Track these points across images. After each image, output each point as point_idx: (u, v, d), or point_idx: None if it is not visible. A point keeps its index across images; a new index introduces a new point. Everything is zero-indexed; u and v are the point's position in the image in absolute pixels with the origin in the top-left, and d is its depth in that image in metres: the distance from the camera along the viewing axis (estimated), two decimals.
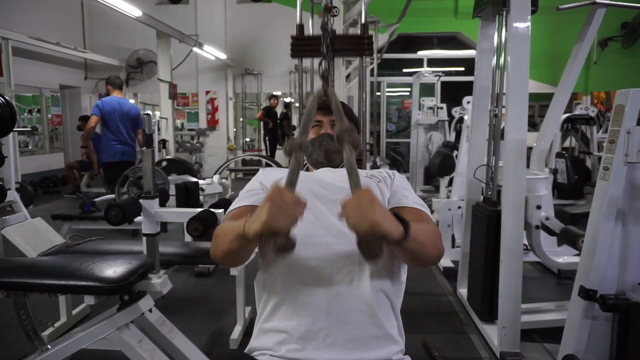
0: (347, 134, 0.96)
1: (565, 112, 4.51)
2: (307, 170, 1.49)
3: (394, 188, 1.22)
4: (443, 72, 7.15)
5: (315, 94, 1.04)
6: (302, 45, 2.14)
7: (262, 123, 9.23)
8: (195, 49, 7.32)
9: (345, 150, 0.95)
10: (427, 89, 7.60)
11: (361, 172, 1.27)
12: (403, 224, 0.89)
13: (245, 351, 1.08)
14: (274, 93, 9.20)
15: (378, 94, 8.10)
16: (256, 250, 1.12)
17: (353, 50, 2.19)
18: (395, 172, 1.31)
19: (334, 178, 1.18)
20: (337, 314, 1.00)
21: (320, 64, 1.23)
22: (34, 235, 2.18)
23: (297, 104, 9.72)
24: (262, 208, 0.83)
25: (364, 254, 0.85)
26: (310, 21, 2.47)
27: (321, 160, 1.29)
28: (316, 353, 0.99)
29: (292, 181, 0.92)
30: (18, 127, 3.09)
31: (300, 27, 2.18)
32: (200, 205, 3.13)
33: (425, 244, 0.97)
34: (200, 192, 3.18)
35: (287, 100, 9.78)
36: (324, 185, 1.16)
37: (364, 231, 0.83)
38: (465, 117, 4.48)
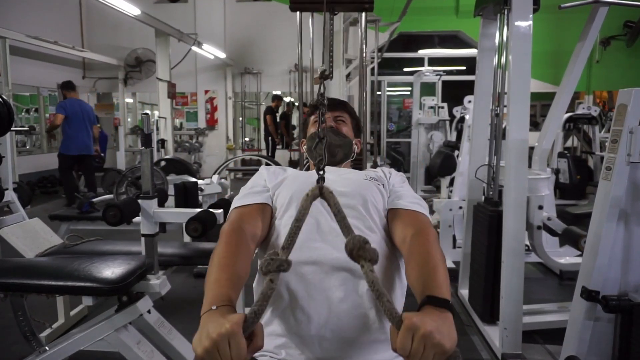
0: (361, 249, 0.84)
1: (567, 112, 4.51)
2: (308, 168, 1.48)
3: (390, 187, 1.21)
4: (444, 71, 7.13)
5: (310, 194, 0.92)
6: None
7: (262, 123, 9.20)
8: (194, 48, 7.32)
9: (365, 269, 0.83)
10: (428, 88, 7.58)
11: (359, 173, 1.26)
12: (446, 306, 0.83)
13: None
14: (275, 93, 9.14)
15: (379, 93, 8.09)
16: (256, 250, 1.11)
17: (354, 4, 2.11)
18: (392, 170, 1.30)
19: (334, 181, 1.16)
20: (336, 318, 1.00)
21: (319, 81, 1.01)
22: (31, 235, 2.17)
23: (296, 104, 9.69)
24: (205, 338, 0.76)
25: None
26: (310, 20, 2.45)
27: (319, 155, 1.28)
28: (316, 358, 0.99)
29: (256, 314, 0.78)
30: (15, 127, 3.09)
31: None
32: (200, 206, 3.12)
33: (447, 280, 0.93)
34: (199, 192, 3.17)
35: (287, 100, 9.74)
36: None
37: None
38: (467, 117, 4.47)
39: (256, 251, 1.13)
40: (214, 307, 0.83)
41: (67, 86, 5.80)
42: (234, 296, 0.88)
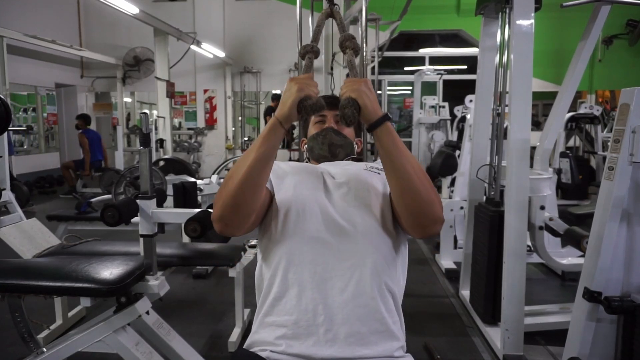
0: (349, 41, 1.19)
1: (569, 111, 4.48)
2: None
3: None
4: (445, 70, 7.09)
5: (323, 12, 1.31)
6: None
7: (261, 122, 9.15)
8: (193, 47, 7.30)
9: (347, 54, 1.19)
10: (429, 88, 7.57)
11: (361, 164, 1.26)
12: (386, 115, 1.01)
13: (245, 345, 1.08)
14: (275, 92, 9.10)
15: (379, 92, 8.07)
16: (255, 243, 1.10)
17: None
18: None
19: (337, 173, 1.18)
20: (338, 308, 1.00)
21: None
22: (29, 236, 2.16)
23: None
24: (287, 91, 1.00)
25: (340, 116, 1.01)
26: (310, 19, 2.44)
27: (324, 154, 1.29)
28: (317, 348, 0.98)
29: (307, 70, 1.16)
30: (13, 126, 3.09)
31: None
32: (199, 206, 3.12)
33: (407, 169, 0.98)
34: (198, 192, 3.16)
35: None
36: (328, 179, 1.16)
37: (347, 96, 1.00)
38: (468, 116, 4.45)
39: (254, 245, 1.12)
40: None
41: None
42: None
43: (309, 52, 1.20)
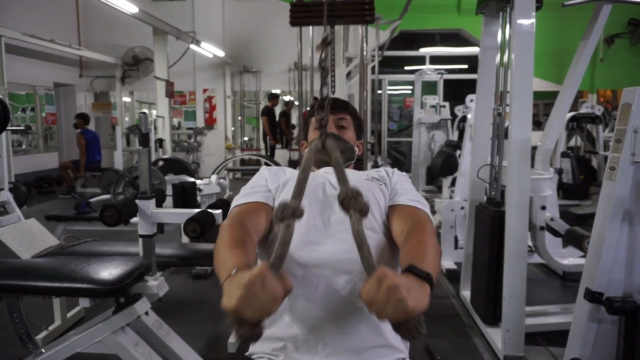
0: (352, 199, 0.85)
1: (570, 111, 4.47)
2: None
3: (392, 186, 1.20)
4: (446, 69, 7.08)
5: (312, 147, 0.94)
6: (301, 12, 2.05)
7: (261, 122, 9.13)
8: (192, 46, 7.30)
9: (352, 219, 0.84)
10: (429, 87, 7.55)
11: (360, 173, 1.25)
12: (427, 279, 0.80)
13: (246, 354, 1.07)
14: (273, 92, 9.07)
15: (379, 92, 8.05)
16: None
17: (354, 17, 2.09)
18: (395, 169, 1.29)
19: (336, 182, 1.15)
20: (337, 322, 0.99)
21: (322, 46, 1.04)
22: (27, 236, 2.15)
23: (297, 103, 9.66)
24: (236, 289, 0.73)
25: (406, 336, 0.76)
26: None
27: (325, 159, 1.27)
28: None
29: (279, 259, 0.79)
30: (11, 126, 3.08)
31: None
32: (198, 206, 3.10)
33: (438, 268, 0.92)
34: (197, 192, 3.14)
35: (287, 99, 9.70)
36: (329, 188, 1.14)
37: (399, 321, 0.74)
38: (469, 116, 4.44)
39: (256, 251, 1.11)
40: (233, 272, 0.79)
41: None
42: (251, 265, 0.85)
43: (288, 218, 0.84)
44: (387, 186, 1.19)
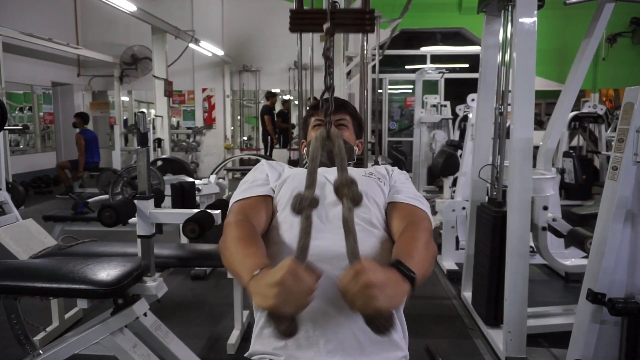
0: (346, 187, 0.87)
1: (572, 110, 4.45)
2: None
3: (391, 183, 1.21)
4: (447, 68, 7.06)
5: (319, 136, 0.94)
6: (301, 19, 2.05)
7: (260, 122, 9.11)
8: (191, 45, 7.28)
9: (344, 206, 0.86)
10: (430, 86, 7.53)
11: (360, 170, 1.24)
12: (409, 278, 0.82)
13: (246, 355, 1.06)
14: (272, 90, 9.01)
15: (380, 91, 8.04)
16: None
17: (355, 26, 2.09)
18: (395, 167, 1.30)
19: (334, 179, 1.16)
20: (338, 319, 0.98)
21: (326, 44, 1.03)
22: (25, 237, 2.15)
23: (296, 102, 9.64)
24: (268, 288, 0.75)
25: (374, 330, 0.79)
26: None
27: (324, 160, 1.27)
28: (317, 359, 0.97)
29: (303, 250, 0.82)
30: (9, 126, 3.07)
31: (300, 0, 2.09)
32: (197, 206, 3.10)
33: (428, 267, 0.94)
34: (196, 192, 3.14)
35: (286, 97, 9.67)
36: (327, 187, 1.14)
37: (369, 315, 0.77)
38: (470, 115, 4.43)
39: None
40: (256, 272, 0.81)
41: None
42: (267, 262, 0.87)
43: (306, 209, 0.86)
44: (385, 183, 1.20)
